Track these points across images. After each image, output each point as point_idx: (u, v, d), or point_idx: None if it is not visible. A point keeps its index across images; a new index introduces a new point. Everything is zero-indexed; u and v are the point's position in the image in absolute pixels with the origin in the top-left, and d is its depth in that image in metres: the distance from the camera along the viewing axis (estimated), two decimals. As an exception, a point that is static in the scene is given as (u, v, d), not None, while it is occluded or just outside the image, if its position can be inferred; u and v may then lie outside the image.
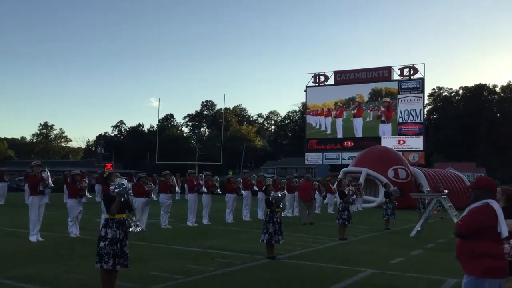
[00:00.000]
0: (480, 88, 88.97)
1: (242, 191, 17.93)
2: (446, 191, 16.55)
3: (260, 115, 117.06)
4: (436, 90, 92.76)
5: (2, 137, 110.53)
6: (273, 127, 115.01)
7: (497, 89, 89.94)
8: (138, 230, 6.21)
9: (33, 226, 11.12)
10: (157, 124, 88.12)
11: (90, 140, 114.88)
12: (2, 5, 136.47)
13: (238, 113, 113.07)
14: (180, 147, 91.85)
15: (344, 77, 47.26)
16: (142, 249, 9.63)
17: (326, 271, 8.50)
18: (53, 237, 11.57)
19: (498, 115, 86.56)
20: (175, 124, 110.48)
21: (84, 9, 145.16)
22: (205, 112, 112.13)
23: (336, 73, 47.69)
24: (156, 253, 9.77)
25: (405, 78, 44.62)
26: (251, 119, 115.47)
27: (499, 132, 78.94)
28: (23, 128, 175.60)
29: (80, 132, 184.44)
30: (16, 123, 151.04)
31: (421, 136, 43.61)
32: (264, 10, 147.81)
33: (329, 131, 47.49)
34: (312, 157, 48.46)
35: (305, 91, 49.13)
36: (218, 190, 17.25)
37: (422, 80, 43.88)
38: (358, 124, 46.27)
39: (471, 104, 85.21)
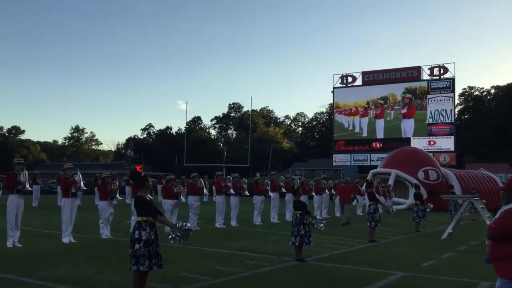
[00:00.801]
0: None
1: (269, 193, 17.90)
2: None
3: (287, 117, 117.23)
4: (467, 90, 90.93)
5: (35, 140, 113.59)
6: (300, 128, 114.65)
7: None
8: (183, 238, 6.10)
9: (66, 227, 11.34)
10: (185, 127, 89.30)
11: (120, 143, 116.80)
12: (35, 6, 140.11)
13: (265, 115, 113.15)
14: (207, 149, 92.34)
15: (372, 78, 46.73)
16: (170, 250, 9.69)
17: (355, 274, 8.43)
18: (85, 239, 11.78)
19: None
20: (202, 126, 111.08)
21: (113, 13, 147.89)
22: (232, 114, 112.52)
23: (364, 73, 47.20)
24: (184, 254, 9.82)
25: (435, 78, 43.87)
26: (278, 120, 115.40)
27: (532, 131, 76.87)
28: (55, 132, 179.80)
29: (110, 135, 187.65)
30: (49, 127, 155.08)
31: (452, 137, 42.77)
32: (290, 11, 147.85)
33: (365, 134, 46.42)
34: (340, 159, 48.10)
35: (333, 92, 48.83)
36: (246, 192, 17.34)
37: (452, 80, 43.11)
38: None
39: (503, 103, 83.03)
